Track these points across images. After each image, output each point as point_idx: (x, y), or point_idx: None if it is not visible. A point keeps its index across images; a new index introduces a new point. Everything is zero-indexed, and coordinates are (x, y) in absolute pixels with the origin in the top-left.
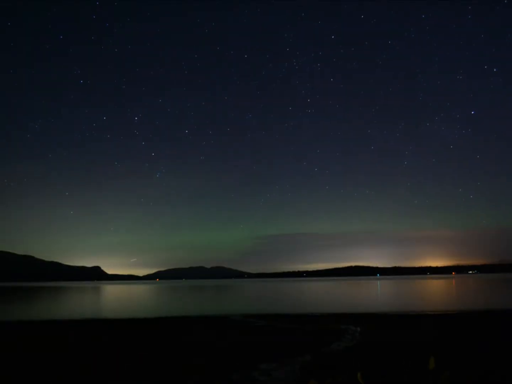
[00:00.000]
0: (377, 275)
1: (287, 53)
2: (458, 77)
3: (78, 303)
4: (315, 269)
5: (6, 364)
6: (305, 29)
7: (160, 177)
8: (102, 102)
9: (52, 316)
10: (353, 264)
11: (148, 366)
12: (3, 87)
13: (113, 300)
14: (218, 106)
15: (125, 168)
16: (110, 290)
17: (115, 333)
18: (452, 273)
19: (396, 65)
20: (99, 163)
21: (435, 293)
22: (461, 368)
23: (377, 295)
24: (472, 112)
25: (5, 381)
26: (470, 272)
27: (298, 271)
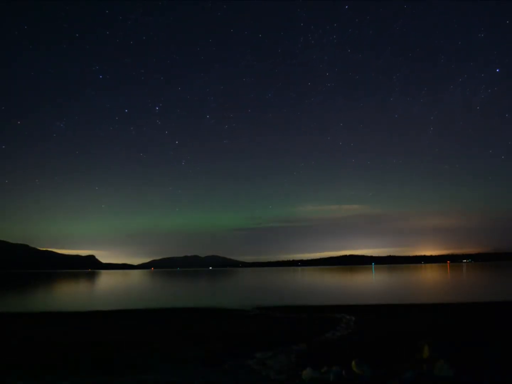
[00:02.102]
0: (371, 264)
1: (301, 28)
2: (479, 35)
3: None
4: (310, 258)
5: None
6: (317, 2)
7: (185, 164)
8: (123, 95)
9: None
10: (348, 253)
11: (146, 356)
12: (25, 91)
13: (113, 290)
14: (237, 88)
15: (151, 158)
16: (108, 279)
17: (116, 323)
18: (446, 262)
19: (414, 29)
20: (125, 156)
21: (429, 283)
22: (455, 356)
23: (372, 285)
24: (497, 70)
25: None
26: (465, 261)
27: (293, 260)
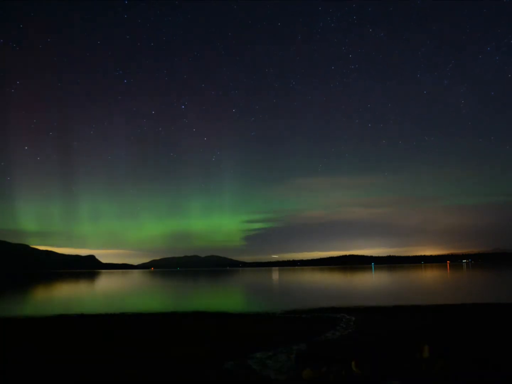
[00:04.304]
0: (371, 264)
1: (320, 13)
2: (504, 0)
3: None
4: (309, 258)
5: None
6: None
7: (216, 159)
8: (148, 97)
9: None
10: (347, 253)
11: (145, 354)
12: (54, 103)
13: (110, 292)
14: (261, 80)
15: (181, 157)
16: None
17: (124, 326)
18: (446, 262)
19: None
20: (156, 156)
21: (429, 283)
22: (455, 357)
23: (372, 285)
24: None
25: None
26: (465, 261)
27: (293, 260)
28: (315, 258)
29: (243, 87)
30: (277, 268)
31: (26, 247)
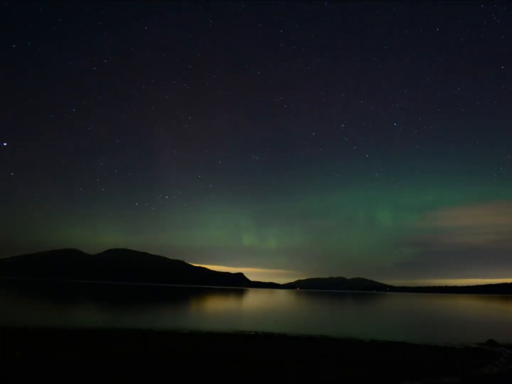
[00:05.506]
0: None
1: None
2: None
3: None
4: (464, 284)
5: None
6: None
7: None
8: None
9: None
10: (510, 280)
11: (277, 375)
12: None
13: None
14: (423, 88)
15: (341, 175)
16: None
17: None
18: None
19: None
20: (316, 175)
21: None
22: None
23: None
24: None
25: None
26: None
27: (446, 286)
28: (470, 285)
29: (406, 100)
30: (427, 294)
31: (181, 263)
